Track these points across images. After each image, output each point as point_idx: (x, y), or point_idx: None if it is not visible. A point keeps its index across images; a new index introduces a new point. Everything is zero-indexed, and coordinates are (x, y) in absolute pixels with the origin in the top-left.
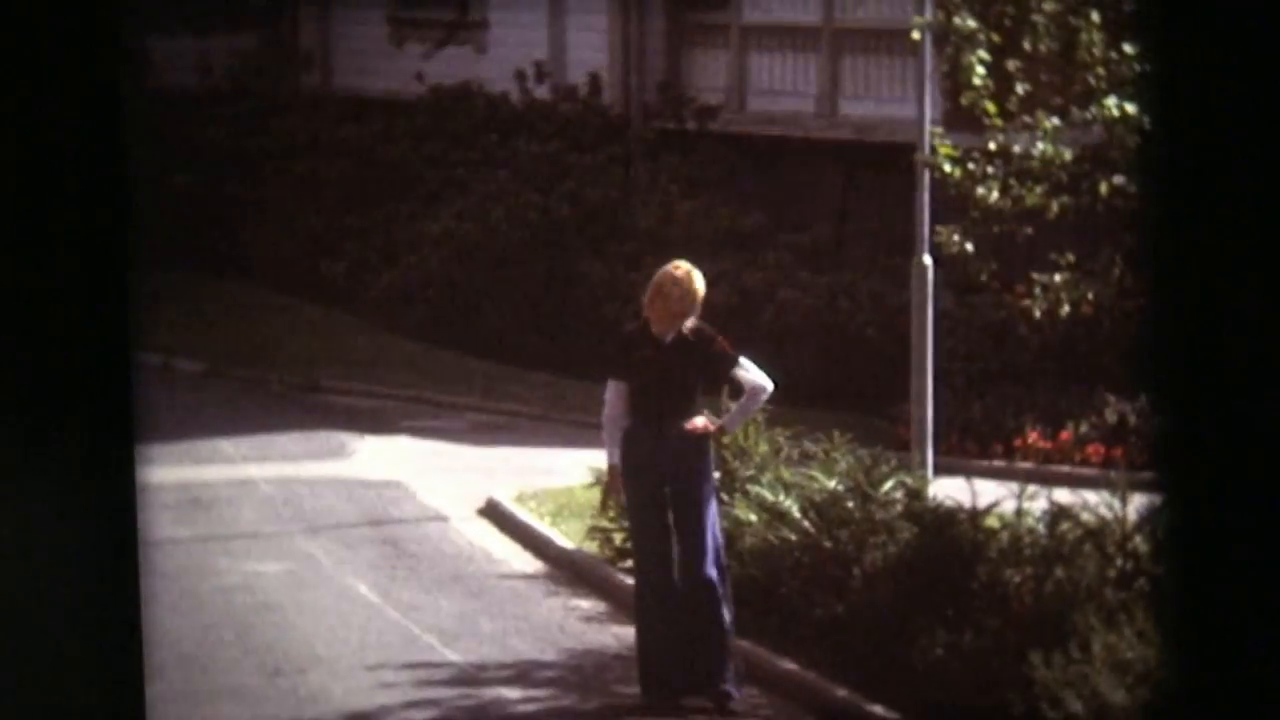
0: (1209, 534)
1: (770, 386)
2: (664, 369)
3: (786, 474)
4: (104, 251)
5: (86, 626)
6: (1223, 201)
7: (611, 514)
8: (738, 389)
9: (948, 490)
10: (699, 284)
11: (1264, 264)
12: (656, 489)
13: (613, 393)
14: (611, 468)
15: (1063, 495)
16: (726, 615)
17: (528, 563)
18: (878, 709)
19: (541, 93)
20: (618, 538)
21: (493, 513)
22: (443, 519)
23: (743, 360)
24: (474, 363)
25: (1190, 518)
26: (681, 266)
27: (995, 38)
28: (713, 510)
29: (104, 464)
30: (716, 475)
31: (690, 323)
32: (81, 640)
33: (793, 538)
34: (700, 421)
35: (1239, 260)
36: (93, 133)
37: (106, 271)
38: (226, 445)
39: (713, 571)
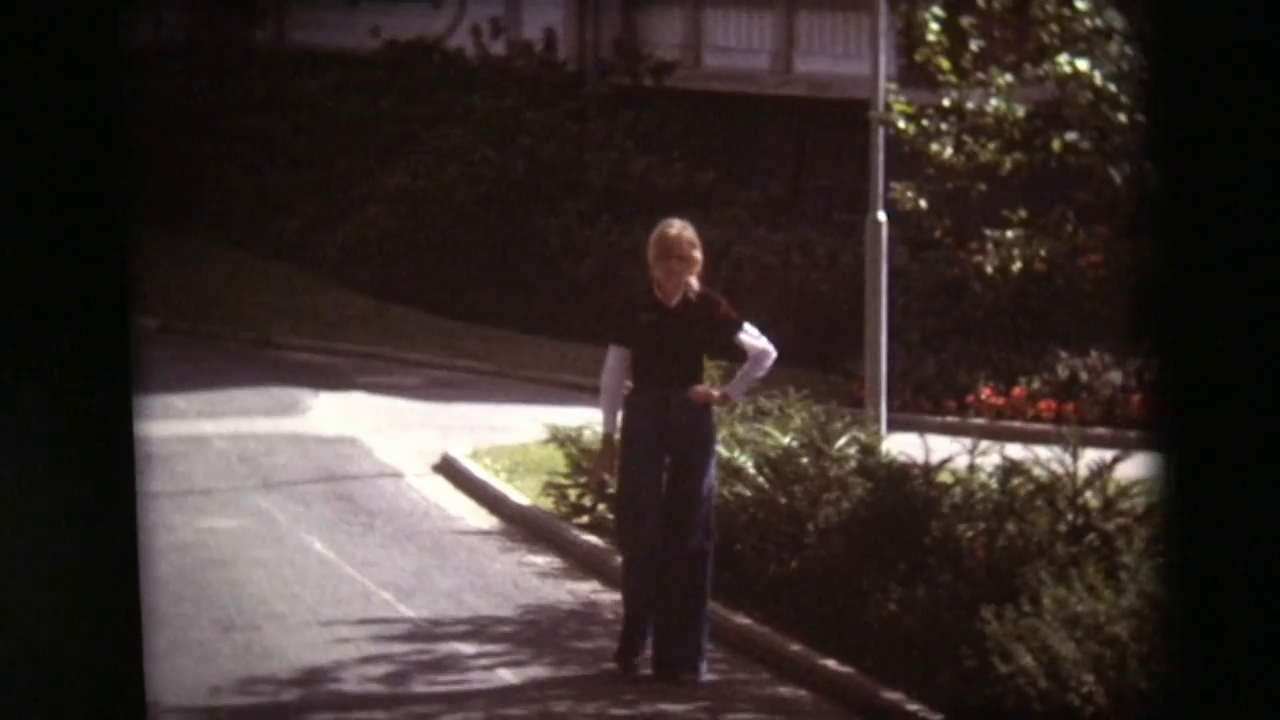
0: (1209, 497)
1: (774, 352)
2: (669, 333)
3: (741, 430)
4: (102, 214)
5: (86, 585)
6: (1225, 180)
7: (566, 472)
8: (739, 356)
9: (901, 446)
10: (694, 239)
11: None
12: (658, 457)
13: (614, 359)
14: (607, 438)
15: (1015, 451)
16: (706, 591)
17: (483, 519)
18: (831, 663)
19: (497, 48)
20: (573, 494)
21: (448, 469)
22: (398, 475)
23: (746, 325)
24: (429, 319)
25: (1190, 477)
26: (675, 223)
27: None
28: (710, 480)
29: (103, 419)
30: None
31: (695, 286)
32: (81, 601)
33: (747, 494)
34: (707, 388)
35: (1241, 227)
36: (91, 98)
37: (105, 234)
38: (179, 401)
39: (706, 544)
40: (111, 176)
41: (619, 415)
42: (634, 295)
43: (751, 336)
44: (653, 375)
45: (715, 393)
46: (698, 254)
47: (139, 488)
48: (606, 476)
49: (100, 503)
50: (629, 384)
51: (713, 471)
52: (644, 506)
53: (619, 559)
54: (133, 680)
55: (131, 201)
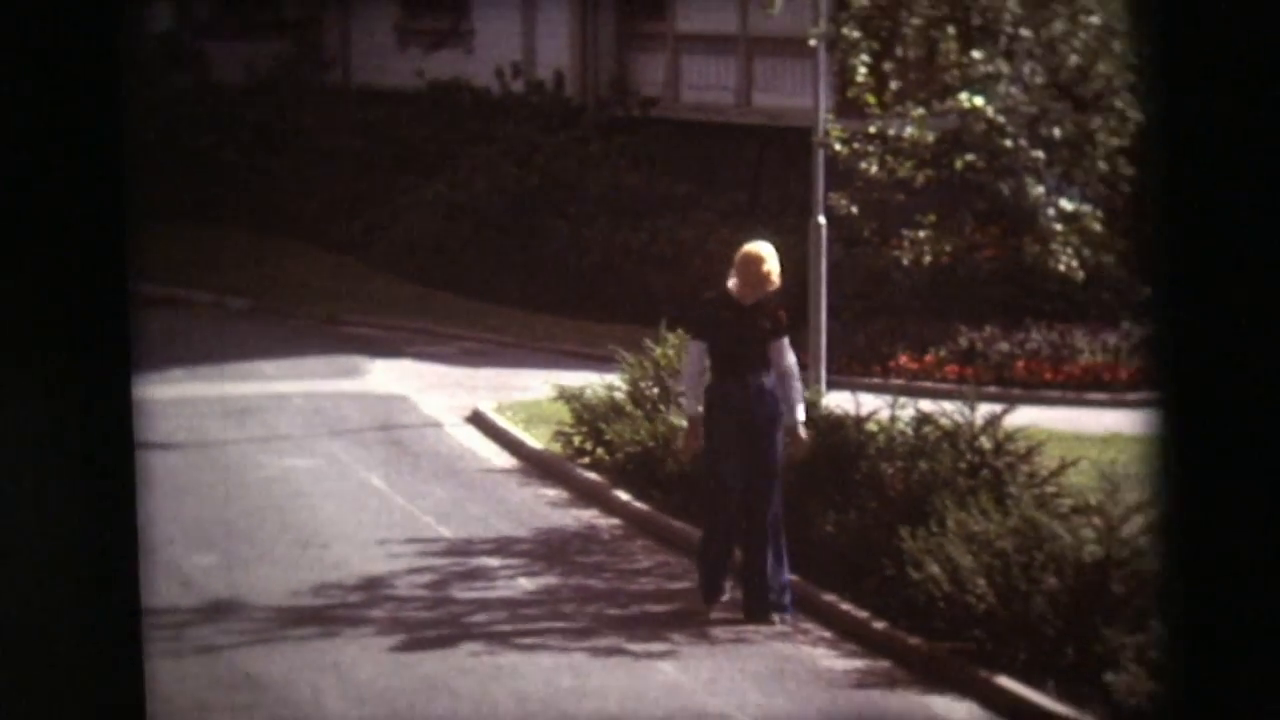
0: (1207, 452)
1: (798, 371)
2: (745, 329)
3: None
4: (103, 211)
5: (86, 585)
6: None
7: (570, 423)
8: (770, 351)
9: (838, 402)
10: (775, 261)
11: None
12: (739, 433)
13: (696, 352)
14: (692, 418)
15: (926, 405)
16: (782, 549)
17: (505, 460)
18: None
19: (516, 87)
20: (576, 440)
21: (477, 420)
22: (438, 425)
23: (785, 339)
24: (463, 301)
25: (1188, 432)
26: (763, 247)
27: (874, 45)
28: (777, 458)
29: (102, 387)
30: None
31: (773, 290)
32: (81, 567)
33: None
34: (802, 434)
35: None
36: (92, 99)
37: (106, 232)
38: (267, 367)
39: (780, 509)
40: (112, 171)
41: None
42: (712, 299)
43: (784, 350)
44: (732, 364)
45: (803, 433)
46: (777, 277)
47: (138, 488)
48: (685, 455)
49: (100, 497)
50: (709, 374)
51: (778, 448)
52: (728, 478)
53: (615, 491)
54: (132, 679)
55: (130, 196)
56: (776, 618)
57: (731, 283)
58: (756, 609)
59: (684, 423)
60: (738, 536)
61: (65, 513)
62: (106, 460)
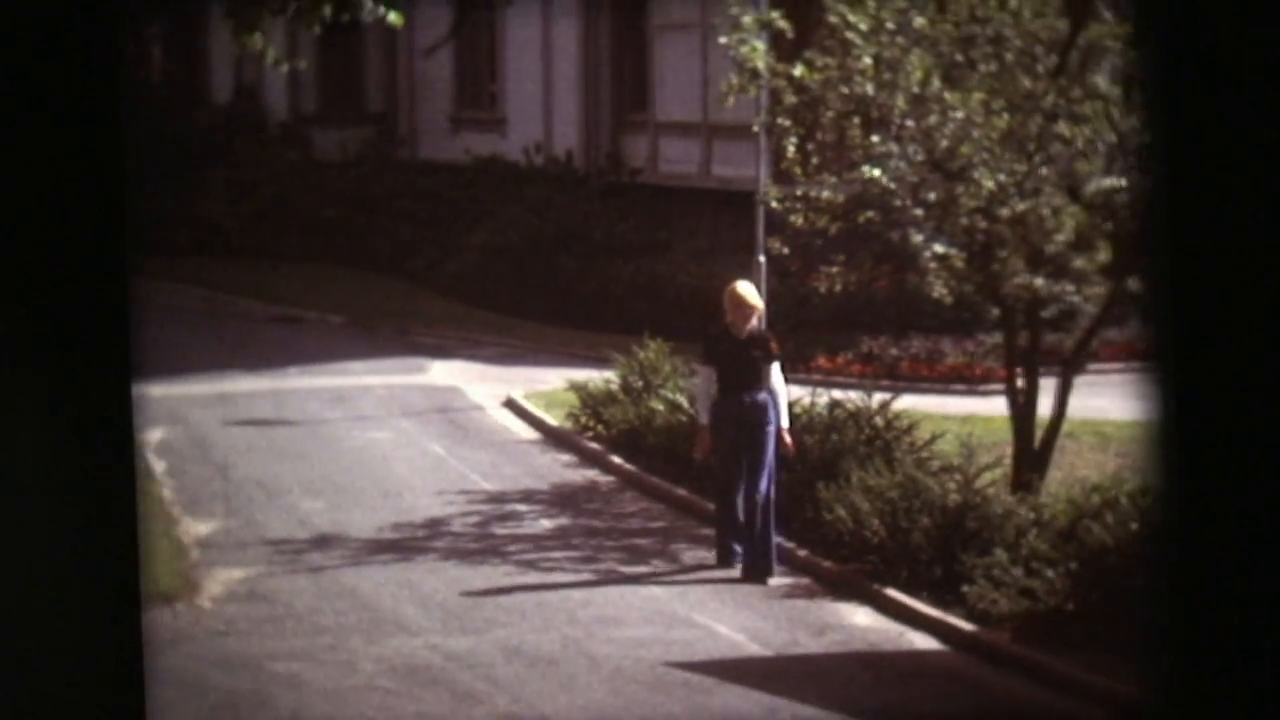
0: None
1: (785, 389)
2: (743, 357)
3: (680, 383)
4: (103, 217)
5: (86, 584)
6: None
7: (579, 407)
8: (766, 375)
9: None
10: (755, 294)
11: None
12: (738, 438)
13: (704, 375)
14: (701, 427)
15: (837, 394)
16: (773, 522)
17: (530, 433)
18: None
19: (538, 160)
20: (582, 419)
21: (510, 404)
22: (481, 408)
23: (776, 364)
24: (498, 317)
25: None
26: (744, 284)
27: (800, 131)
28: (771, 454)
29: (102, 387)
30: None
31: (755, 324)
32: (81, 600)
33: (683, 419)
34: (787, 440)
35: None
36: (92, 114)
37: (106, 235)
38: (356, 365)
39: (771, 493)
40: (112, 172)
41: (709, 413)
42: (716, 334)
43: (776, 373)
44: (733, 384)
45: (788, 438)
46: (759, 305)
47: (139, 488)
48: (699, 455)
49: (100, 497)
50: (715, 392)
51: (772, 448)
52: (731, 472)
53: (610, 456)
54: (132, 680)
55: (129, 208)
56: (770, 579)
57: (727, 318)
58: (754, 571)
59: (660, 406)
60: (739, 508)
61: (65, 513)
62: (107, 460)
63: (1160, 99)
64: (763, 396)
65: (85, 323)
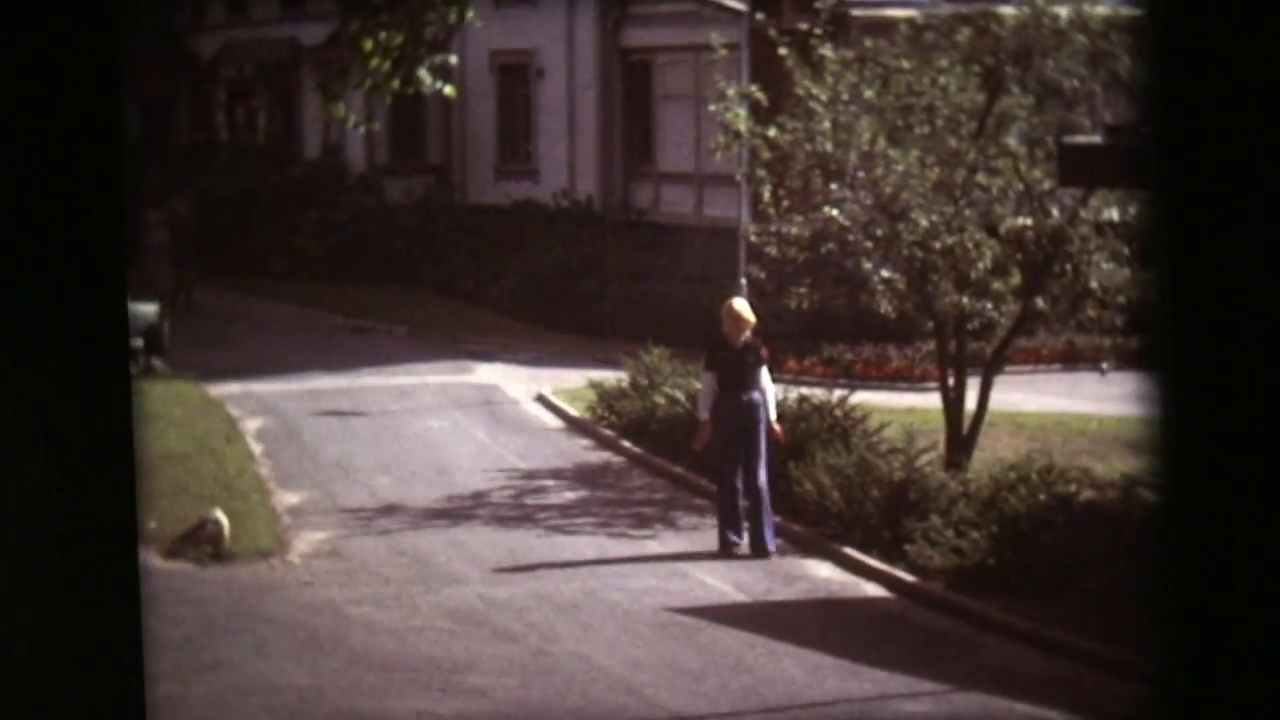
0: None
1: (773, 388)
2: (738, 362)
3: (678, 380)
4: (102, 219)
5: (85, 584)
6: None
7: (597, 401)
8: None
9: None
10: (749, 310)
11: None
12: (736, 434)
13: (708, 378)
14: (703, 422)
15: (804, 391)
16: (768, 504)
17: (557, 422)
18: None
19: (564, 203)
20: (599, 411)
21: (540, 400)
22: (516, 402)
23: (765, 367)
24: (531, 329)
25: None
26: (739, 301)
27: (774, 180)
28: (763, 442)
29: (102, 387)
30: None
31: (749, 335)
32: (81, 600)
33: (680, 411)
34: (777, 429)
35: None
36: (92, 111)
37: (105, 238)
38: (417, 366)
39: (763, 481)
40: (112, 172)
41: (709, 411)
42: (716, 341)
43: (765, 375)
44: (731, 384)
45: (777, 428)
46: (752, 319)
47: (139, 488)
48: (698, 446)
49: (100, 497)
50: (716, 392)
51: (764, 440)
52: (729, 461)
53: (622, 441)
54: (133, 680)
55: (129, 208)
56: (771, 553)
57: (725, 330)
58: (757, 548)
59: (662, 400)
60: (738, 494)
61: (65, 513)
62: (107, 460)
63: (1160, 99)
64: (756, 395)
65: (85, 322)
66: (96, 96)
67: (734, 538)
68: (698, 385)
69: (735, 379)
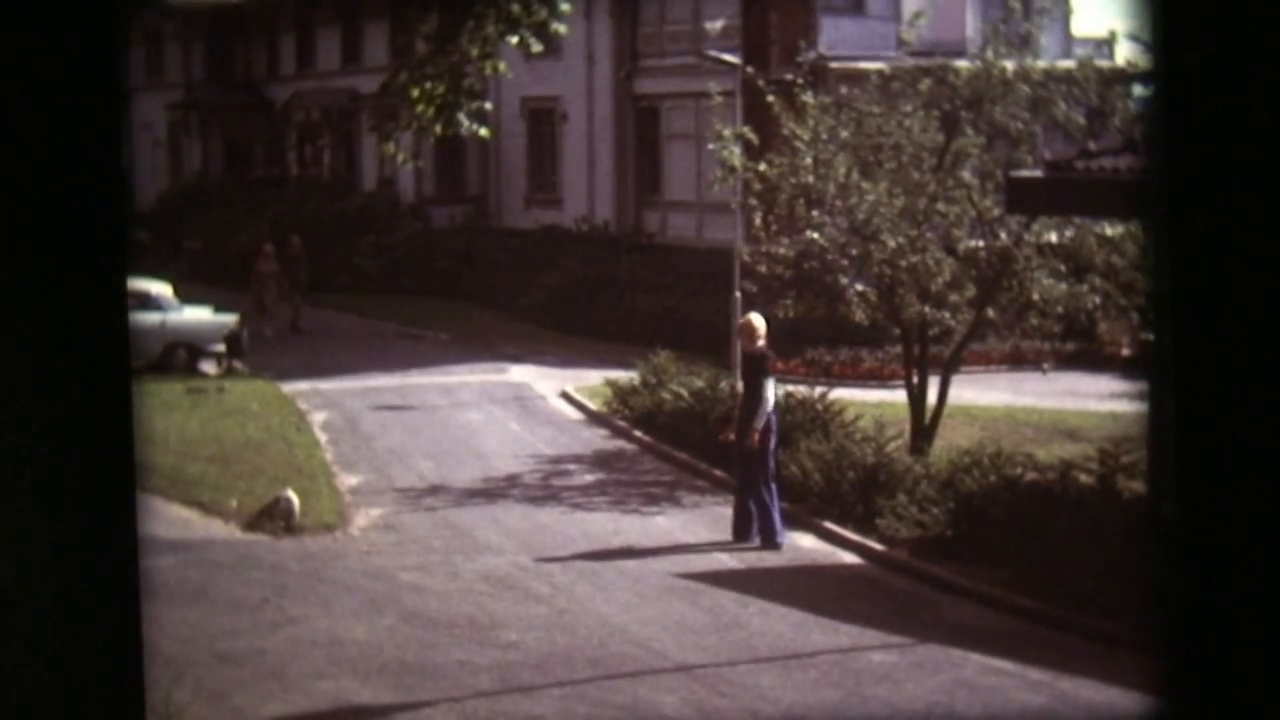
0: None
1: (769, 408)
2: (749, 369)
3: (681, 379)
4: (103, 226)
5: (85, 584)
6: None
7: (613, 397)
8: (759, 386)
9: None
10: (761, 324)
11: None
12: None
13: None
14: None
15: (791, 387)
16: (777, 499)
17: (578, 416)
18: (718, 472)
19: (584, 228)
20: (615, 405)
21: (565, 396)
22: (544, 397)
23: (771, 378)
24: (557, 335)
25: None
26: (754, 316)
27: (764, 207)
28: (774, 446)
29: (102, 387)
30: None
31: (761, 345)
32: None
33: (684, 405)
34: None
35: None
36: (93, 126)
37: (106, 245)
38: (457, 368)
39: (771, 475)
40: (112, 172)
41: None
42: (743, 353)
43: (767, 385)
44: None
45: (755, 436)
46: (763, 331)
47: (139, 489)
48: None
49: (100, 499)
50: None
51: (774, 440)
52: (745, 461)
53: (634, 431)
54: (133, 680)
55: (130, 216)
56: (781, 542)
57: (739, 341)
58: (767, 539)
59: (668, 396)
60: (749, 503)
61: (65, 514)
62: (107, 459)
63: (1161, 99)
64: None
65: (85, 322)
66: (99, 104)
67: (747, 526)
68: (699, 384)
69: (747, 384)
